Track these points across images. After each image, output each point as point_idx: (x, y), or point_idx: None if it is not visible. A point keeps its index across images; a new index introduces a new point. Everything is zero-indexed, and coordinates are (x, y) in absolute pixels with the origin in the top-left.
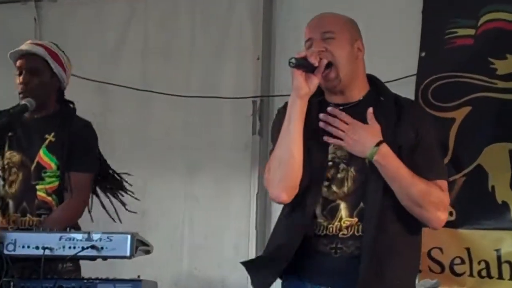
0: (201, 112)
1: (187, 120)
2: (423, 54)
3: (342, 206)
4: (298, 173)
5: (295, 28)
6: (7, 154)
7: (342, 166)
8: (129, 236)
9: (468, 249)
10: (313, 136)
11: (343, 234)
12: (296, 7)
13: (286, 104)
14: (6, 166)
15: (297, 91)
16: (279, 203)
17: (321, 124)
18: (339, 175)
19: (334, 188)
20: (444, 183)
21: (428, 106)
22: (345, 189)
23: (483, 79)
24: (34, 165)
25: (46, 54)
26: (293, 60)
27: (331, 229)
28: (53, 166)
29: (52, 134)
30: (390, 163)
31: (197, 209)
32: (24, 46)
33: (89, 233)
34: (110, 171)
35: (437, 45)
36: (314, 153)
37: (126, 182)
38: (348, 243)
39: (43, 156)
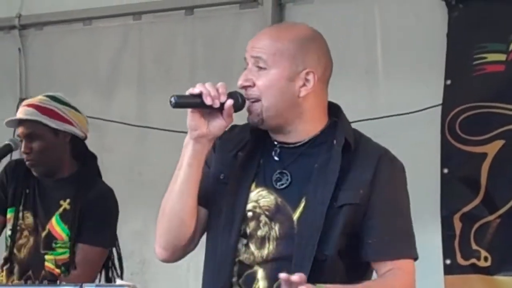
0: None
1: None
2: (448, 82)
3: (260, 275)
4: (182, 231)
5: None
6: (21, 214)
7: (263, 219)
8: None
9: None
10: (237, 175)
11: None
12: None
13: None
14: (18, 228)
15: (190, 131)
16: (163, 261)
17: None
18: (259, 232)
19: (253, 248)
20: (410, 264)
21: (456, 139)
22: (265, 252)
23: None
24: (45, 232)
25: (38, 114)
26: (173, 100)
27: None
28: (65, 237)
29: (68, 201)
30: None
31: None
32: (18, 114)
33: (81, 285)
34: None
35: (464, 72)
36: (228, 197)
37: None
38: None
39: (55, 225)
